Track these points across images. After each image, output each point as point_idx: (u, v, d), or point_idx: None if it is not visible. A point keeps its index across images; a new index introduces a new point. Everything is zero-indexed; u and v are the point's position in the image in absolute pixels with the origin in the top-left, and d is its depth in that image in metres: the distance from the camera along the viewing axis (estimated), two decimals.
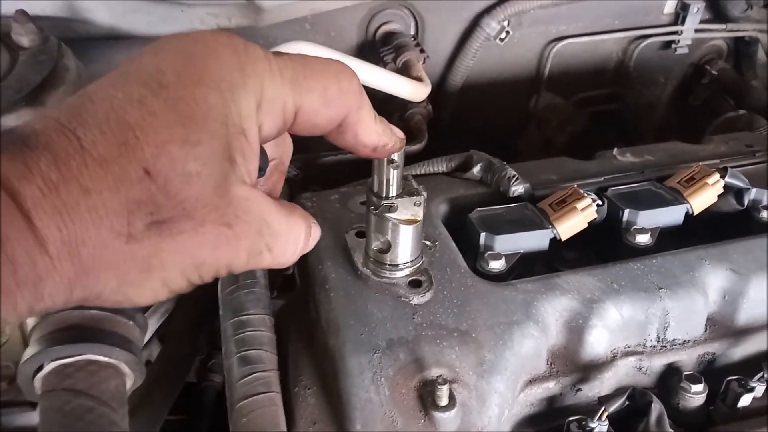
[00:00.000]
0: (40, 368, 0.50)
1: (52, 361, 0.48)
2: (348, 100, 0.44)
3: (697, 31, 1.44)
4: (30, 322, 0.53)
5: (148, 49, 0.39)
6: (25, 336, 0.57)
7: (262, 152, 0.45)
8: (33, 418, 0.69)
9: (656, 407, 0.63)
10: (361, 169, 0.84)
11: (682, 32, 1.44)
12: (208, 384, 1.02)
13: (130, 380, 0.52)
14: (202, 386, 1.02)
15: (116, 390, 0.50)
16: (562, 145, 1.47)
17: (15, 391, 0.54)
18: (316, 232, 0.47)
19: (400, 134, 0.53)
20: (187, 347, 0.96)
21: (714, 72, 1.53)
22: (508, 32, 1.27)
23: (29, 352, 0.49)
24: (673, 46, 1.46)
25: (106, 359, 0.50)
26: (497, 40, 1.27)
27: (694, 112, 1.59)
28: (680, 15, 1.43)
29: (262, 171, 0.46)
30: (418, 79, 1.09)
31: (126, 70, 0.37)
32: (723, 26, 1.47)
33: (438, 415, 0.58)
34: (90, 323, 0.51)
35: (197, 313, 0.96)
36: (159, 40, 0.39)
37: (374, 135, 0.48)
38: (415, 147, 1.10)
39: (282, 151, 0.51)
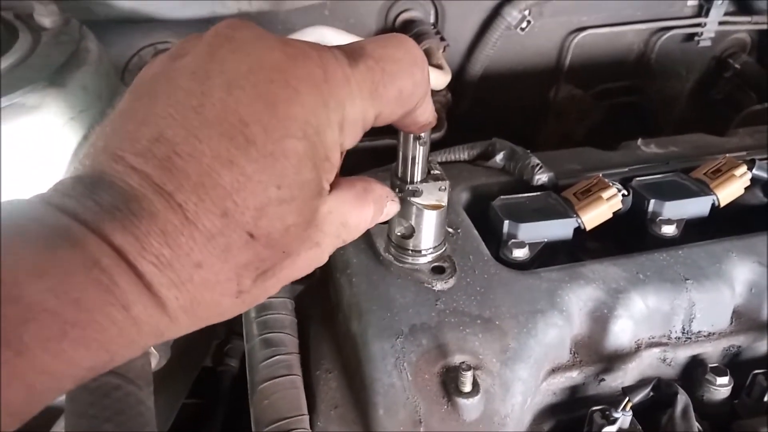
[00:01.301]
0: None
1: None
2: (419, 91, 0.44)
3: (721, 23, 1.42)
4: None
5: (217, 83, 0.35)
6: None
7: None
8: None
9: (682, 399, 0.62)
10: (382, 156, 0.84)
11: (705, 24, 1.42)
12: (225, 369, 1.02)
13: (155, 359, 0.52)
14: (218, 371, 1.02)
15: (142, 369, 0.49)
16: (581, 138, 1.46)
17: None
18: (392, 209, 0.50)
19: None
20: (205, 331, 0.95)
21: (737, 66, 1.51)
22: (529, 22, 1.25)
23: None
24: (696, 38, 1.44)
25: None
26: (518, 30, 1.26)
27: (716, 106, 1.57)
28: (704, 7, 1.41)
29: None
30: (439, 67, 1.08)
31: (201, 112, 0.35)
32: (748, 19, 1.45)
33: (461, 401, 0.58)
34: None
35: None
36: (222, 61, 0.36)
37: (429, 114, 0.48)
38: (435, 135, 1.09)
39: None
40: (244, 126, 0.35)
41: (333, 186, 0.42)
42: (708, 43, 1.45)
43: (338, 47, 0.41)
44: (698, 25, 1.42)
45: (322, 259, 0.43)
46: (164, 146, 0.34)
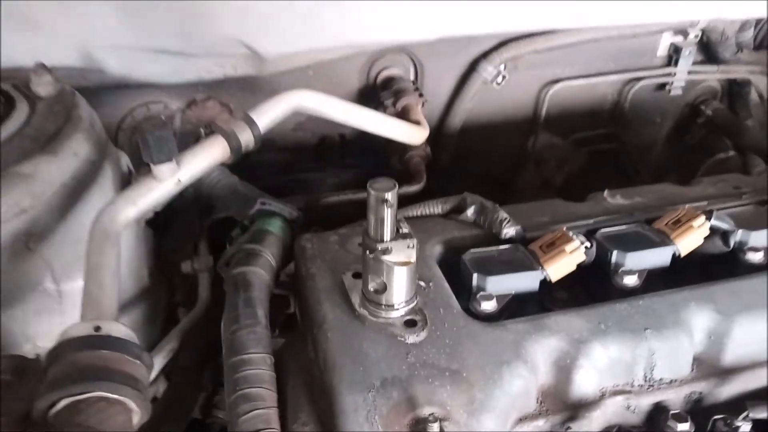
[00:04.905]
0: (54, 404, 0.53)
1: (66, 397, 0.52)
2: None
3: (690, 72, 1.49)
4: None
5: None
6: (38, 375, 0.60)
7: None
8: None
9: None
10: (360, 209, 0.88)
11: (675, 74, 1.48)
12: (213, 420, 1.05)
13: (137, 416, 0.55)
14: (207, 422, 1.04)
15: (123, 425, 0.53)
16: (561, 184, 1.51)
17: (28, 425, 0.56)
18: None
19: None
20: (193, 384, 0.98)
21: (709, 112, 1.57)
22: (504, 76, 1.32)
23: (45, 389, 0.52)
24: (667, 87, 1.50)
25: (114, 396, 0.53)
26: (494, 84, 1.32)
27: (692, 150, 1.62)
28: (673, 57, 1.47)
29: None
30: (417, 122, 1.14)
31: None
32: (715, 68, 1.51)
33: None
34: (100, 363, 0.54)
35: (202, 351, 0.99)
36: None
37: None
38: (414, 188, 1.14)
39: None
40: None
41: None
42: (679, 91, 1.51)
43: None
44: (668, 74, 1.48)
45: None
46: None
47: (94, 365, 0.54)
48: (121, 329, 0.59)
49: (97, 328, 0.58)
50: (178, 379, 0.94)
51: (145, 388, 0.57)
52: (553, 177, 1.49)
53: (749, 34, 1.48)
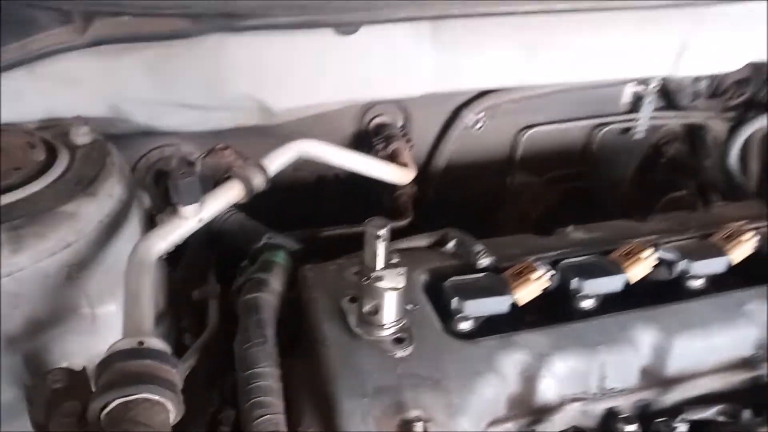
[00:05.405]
0: (106, 405, 0.65)
1: (118, 398, 0.63)
2: None
3: (651, 118, 1.64)
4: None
5: None
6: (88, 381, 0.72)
7: None
8: None
9: None
10: (355, 241, 1.00)
11: (638, 119, 1.64)
12: None
13: (173, 415, 0.67)
14: None
15: (163, 422, 0.65)
16: (537, 218, 1.65)
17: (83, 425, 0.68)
18: None
19: None
20: (203, 399, 1.09)
21: (670, 153, 1.73)
22: (483, 122, 1.47)
23: (99, 392, 0.64)
24: (631, 131, 1.66)
25: (157, 398, 0.65)
26: (474, 129, 1.47)
27: (657, 187, 1.77)
28: (636, 105, 1.63)
29: None
30: (404, 165, 1.28)
31: None
32: (674, 114, 1.67)
33: None
34: (145, 370, 0.66)
35: (211, 371, 1.10)
36: None
37: None
38: (402, 223, 1.27)
39: None
40: None
41: None
42: (642, 135, 1.67)
43: None
44: (632, 120, 1.64)
45: None
46: None
47: (140, 372, 0.66)
48: (159, 344, 0.71)
49: (141, 343, 0.70)
50: (191, 394, 1.05)
51: (179, 392, 0.69)
52: (530, 212, 1.63)
53: (703, 84, 1.65)
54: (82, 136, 1.00)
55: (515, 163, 1.58)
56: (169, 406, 0.67)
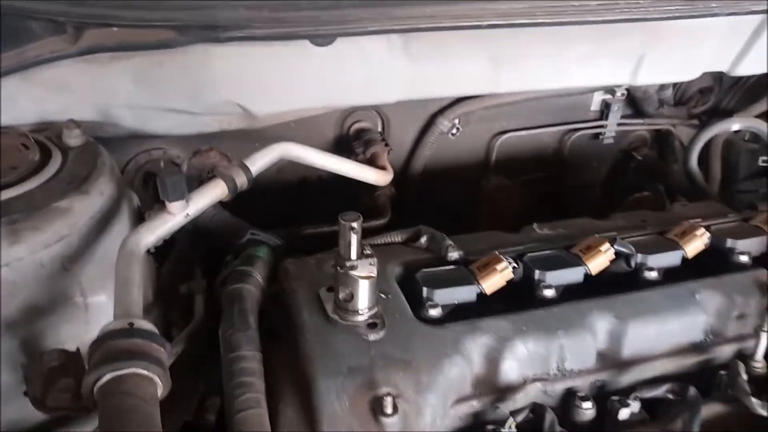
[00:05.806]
0: (99, 380, 0.70)
1: (110, 372, 0.69)
2: None
3: (619, 124, 1.73)
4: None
5: None
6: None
7: None
8: (86, 424, 0.90)
9: (549, 416, 0.84)
10: (333, 239, 1.07)
11: (607, 126, 1.72)
12: (204, 422, 1.20)
13: (161, 389, 0.73)
14: (199, 423, 1.20)
15: (152, 395, 0.70)
16: (510, 219, 1.72)
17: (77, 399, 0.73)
18: None
19: None
20: (190, 388, 1.14)
21: (639, 158, 1.82)
22: (458, 128, 1.55)
23: (92, 367, 0.70)
24: (601, 137, 1.74)
25: (146, 372, 0.70)
26: (450, 135, 1.54)
27: (627, 191, 1.85)
28: (604, 112, 1.72)
29: None
30: (383, 168, 1.35)
31: None
32: (641, 121, 1.76)
33: (385, 420, 0.79)
34: (135, 348, 0.72)
35: (197, 361, 1.16)
36: None
37: None
38: (381, 222, 1.34)
39: None
40: None
41: None
42: (611, 140, 1.75)
43: None
44: (601, 126, 1.72)
45: None
46: None
47: (130, 349, 0.72)
48: (148, 325, 0.77)
49: (131, 324, 0.76)
50: (178, 380, 1.10)
51: (167, 369, 0.75)
52: (504, 213, 1.70)
53: (669, 93, 1.74)
54: (74, 138, 1.05)
55: (489, 167, 1.66)
56: (158, 380, 0.72)
